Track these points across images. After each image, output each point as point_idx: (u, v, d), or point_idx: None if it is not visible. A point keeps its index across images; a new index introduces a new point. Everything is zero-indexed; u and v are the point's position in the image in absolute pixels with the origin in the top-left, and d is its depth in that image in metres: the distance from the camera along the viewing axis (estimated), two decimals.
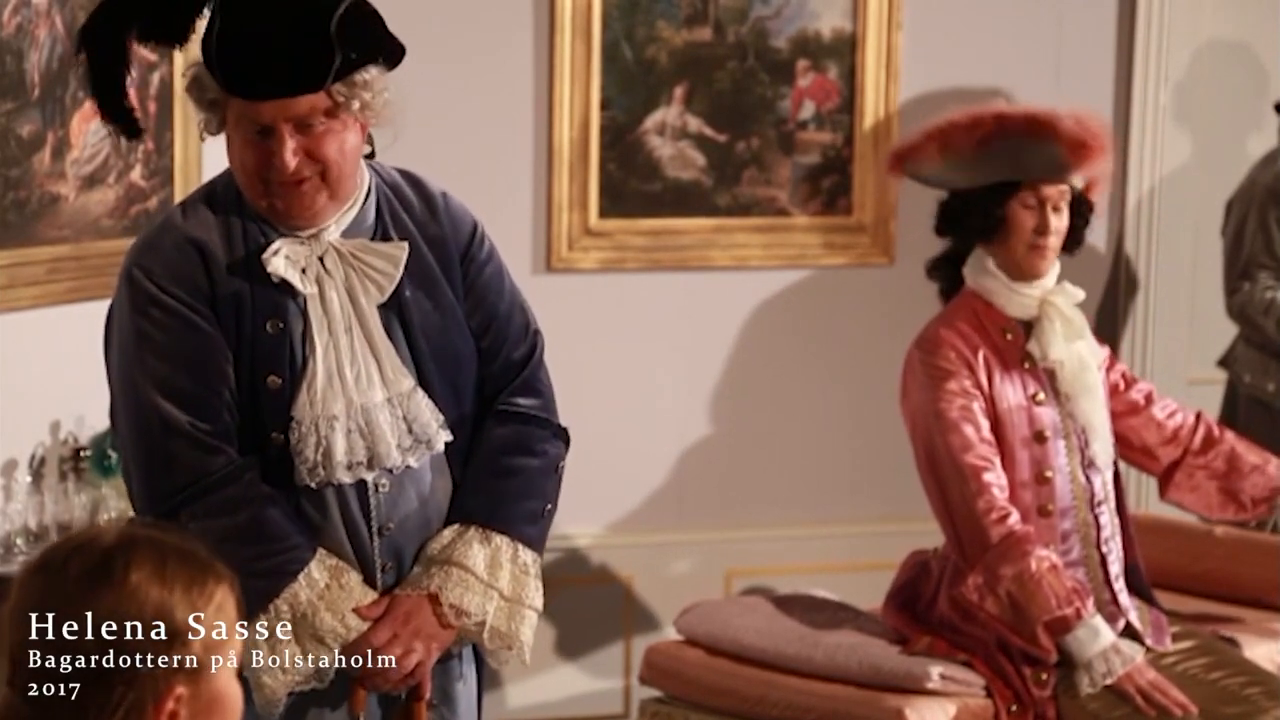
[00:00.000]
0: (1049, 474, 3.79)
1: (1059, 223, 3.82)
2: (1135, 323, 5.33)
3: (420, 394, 2.75)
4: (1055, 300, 3.84)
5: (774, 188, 5.01)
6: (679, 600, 4.39)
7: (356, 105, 2.65)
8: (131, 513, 2.83)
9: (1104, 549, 3.82)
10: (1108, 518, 3.85)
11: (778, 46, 4.96)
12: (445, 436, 2.78)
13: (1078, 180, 3.88)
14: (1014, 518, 3.69)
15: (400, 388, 2.74)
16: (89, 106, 4.04)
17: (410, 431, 2.74)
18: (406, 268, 2.76)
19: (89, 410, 3.99)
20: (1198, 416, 4.08)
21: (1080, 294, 3.89)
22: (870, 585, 4.67)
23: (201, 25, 2.69)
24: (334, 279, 2.71)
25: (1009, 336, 3.83)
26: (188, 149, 4.29)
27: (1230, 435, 4.09)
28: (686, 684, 3.96)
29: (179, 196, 4.22)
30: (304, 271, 2.70)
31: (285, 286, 2.70)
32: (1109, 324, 5.33)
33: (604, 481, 4.87)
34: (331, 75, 2.61)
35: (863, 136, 5.04)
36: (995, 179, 3.81)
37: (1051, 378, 3.82)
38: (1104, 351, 3.98)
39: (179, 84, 4.07)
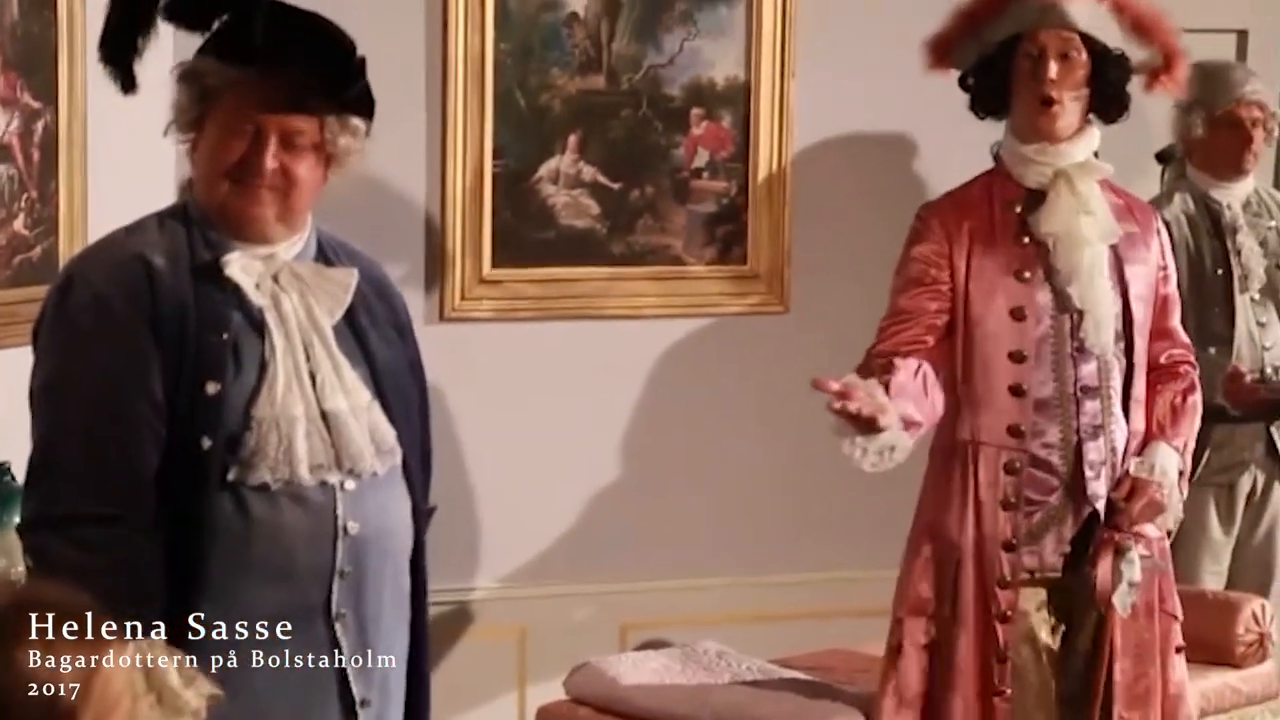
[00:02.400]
0: (1025, 353, 3.71)
1: (1065, 72, 3.70)
2: None
3: (378, 408, 2.82)
4: (1069, 170, 3.72)
5: (669, 236, 5.00)
6: (574, 653, 4.36)
7: (341, 144, 2.79)
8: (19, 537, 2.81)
9: (1082, 435, 3.74)
10: (1097, 405, 3.75)
11: (671, 94, 4.96)
12: (400, 451, 2.84)
13: (1108, 35, 3.75)
14: (898, 363, 3.65)
15: (360, 399, 2.80)
16: None
17: (372, 440, 2.80)
18: (360, 306, 2.84)
19: None
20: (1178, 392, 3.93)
21: (1106, 169, 3.78)
22: (768, 637, 4.66)
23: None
24: (289, 294, 2.78)
25: (1016, 209, 3.75)
26: (73, 199, 4.22)
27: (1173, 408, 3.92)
28: None
29: (63, 247, 4.15)
30: (257, 286, 2.76)
31: (232, 299, 2.75)
32: None
33: (498, 532, 4.84)
34: (351, 94, 2.78)
35: (757, 184, 5.04)
36: (1000, 37, 3.76)
37: (1047, 253, 3.73)
38: (1145, 252, 3.84)
39: (64, 133, 4.01)
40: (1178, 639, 3.89)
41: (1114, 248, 3.77)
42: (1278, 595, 5.03)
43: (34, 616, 1.90)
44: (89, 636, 1.94)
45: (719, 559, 5.00)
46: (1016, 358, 3.71)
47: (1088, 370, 3.73)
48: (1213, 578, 4.88)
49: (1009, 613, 3.72)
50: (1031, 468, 3.73)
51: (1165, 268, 3.91)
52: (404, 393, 2.90)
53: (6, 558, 3.78)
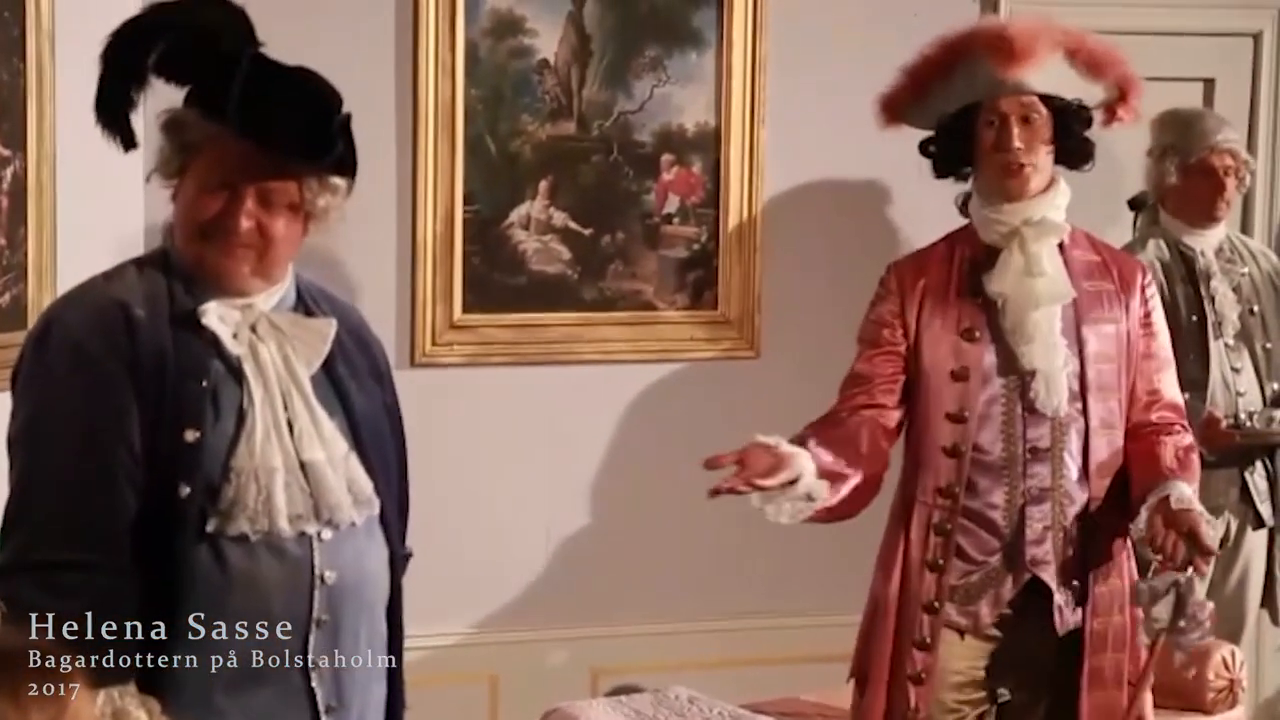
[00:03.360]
0: (965, 414, 3.66)
1: (1027, 135, 3.66)
2: None
3: (355, 459, 2.83)
4: (1024, 230, 3.68)
5: (640, 281, 5.01)
6: (545, 698, 4.34)
7: (320, 205, 2.78)
8: None
9: (1028, 498, 3.66)
10: (1046, 469, 3.68)
11: (642, 140, 4.98)
12: (378, 501, 2.84)
13: (1064, 87, 3.70)
14: (837, 420, 3.66)
15: (337, 450, 2.80)
16: None
17: (349, 491, 2.80)
18: (338, 355, 2.85)
19: None
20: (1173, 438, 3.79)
21: (1063, 228, 3.71)
22: (739, 682, 4.65)
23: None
24: (267, 344, 2.78)
25: (968, 267, 3.73)
26: (41, 245, 4.21)
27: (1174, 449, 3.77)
28: None
29: (33, 293, 4.14)
30: (235, 336, 2.77)
31: (211, 347, 2.75)
32: None
33: (469, 578, 4.82)
34: (331, 158, 2.76)
35: (728, 230, 5.06)
36: (956, 105, 3.73)
37: (997, 312, 3.69)
38: (1120, 312, 3.74)
39: (32, 179, 4.01)
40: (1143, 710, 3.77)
41: (1073, 306, 3.70)
42: (1249, 641, 5.04)
43: (2, 666, 1.89)
44: (58, 684, 1.93)
45: (690, 604, 5.00)
46: (955, 418, 3.66)
47: (1038, 432, 3.66)
48: None
49: (923, 675, 3.66)
50: (974, 527, 3.68)
51: (1150, 326, 3.82)
52: (382, 442, 2.90)
53: None
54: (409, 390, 4.76)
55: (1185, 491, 3.61)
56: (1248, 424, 4.84)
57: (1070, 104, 3.69)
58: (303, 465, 2.76)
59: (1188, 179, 4.94)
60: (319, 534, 2.76)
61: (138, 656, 2.64)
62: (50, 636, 2.01)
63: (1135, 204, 5.09)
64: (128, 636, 2.65)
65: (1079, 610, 3.70)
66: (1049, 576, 3.67)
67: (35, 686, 1.90)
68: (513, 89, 4.86)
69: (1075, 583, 3.69)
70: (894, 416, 3.72)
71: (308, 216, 2.79)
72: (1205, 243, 4.98)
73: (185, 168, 2.76)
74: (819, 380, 5.20)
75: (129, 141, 2.79)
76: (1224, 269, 4.97)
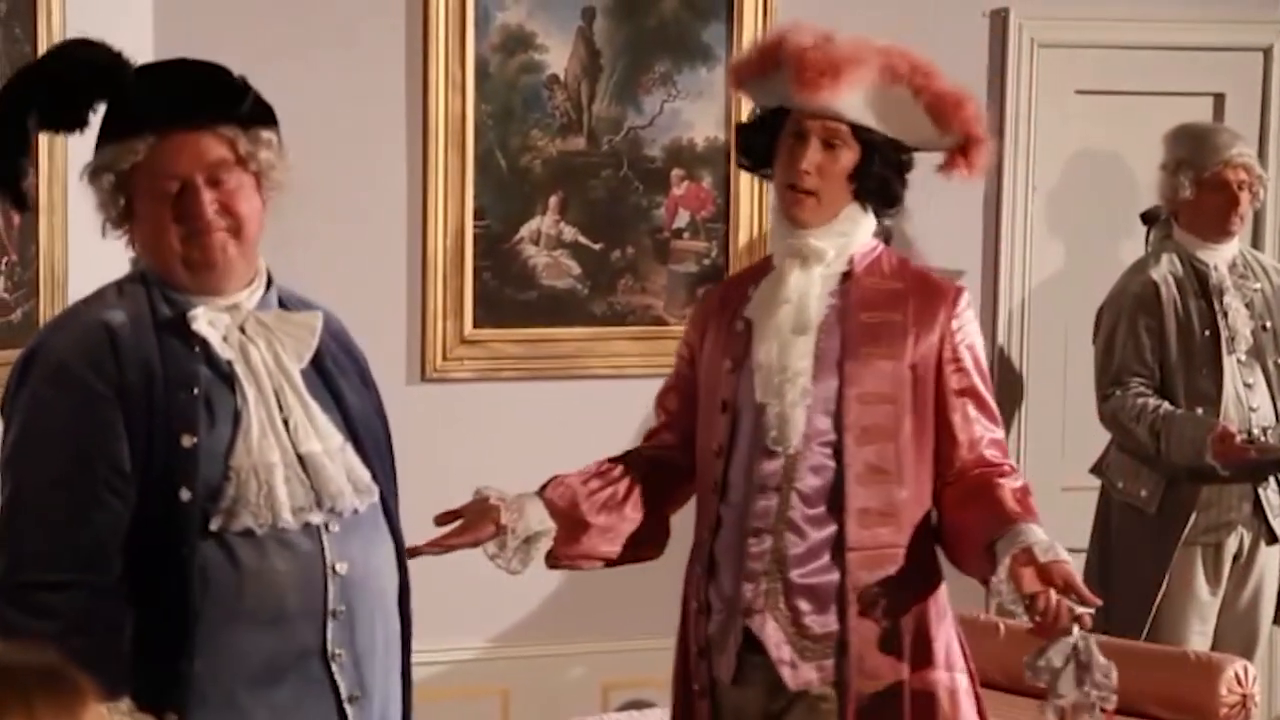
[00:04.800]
0: (721, 448, 3.32)
1: (824, 161, 3.25)
2: (1010, 431, 5.37)
3: (351, 450, 2.83)
4: (787, 261, 3.31)
5: (650, 296, 5.01)
6: (557, 713, 4.35)
7: (262, 159, 2.77)
8: None
9: (748, 541, 3.29)
10: (772, 505, 3.28)
11: (652, 155, 4.98)
12: (377, 489, 2.85)
13: (886, 122, 3.27)
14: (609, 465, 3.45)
15: (332, 442, 2.81)
16: None
17: (349, 480, 2.80)
18: (325, 351, 2.86)
19: None
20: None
21: (823, 254, 3.29)
22: None
23: (95, 118, 2.79)
24: (256, 344, 2.79)
25: (753, 288, 3.37)
26: (53, 261, 4.22)
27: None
28: None
29: (44, 310, 4.15)
30: (225, 339, 2.77)
31: (199, 354, 2.76)
32: None
33: (480, 593, 4.81)
34: (247, 105, 2.76)
35: (738, 245, 5.06)
36: (772, 104, 3.34)
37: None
38: (905, 346, 3.29)
39: (44, 197, 4.01)
40: None
41: (840, 339, 3.28)
42: (1261, 658, 5.03)
43: (10, 690, 1.89)
44: (70, 700, 1.92)
45: None
46: (718, 453, 3.32)
47: (771, 469, 3.27)
48: (1199, 638, 4.87)
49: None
50: (721, 568, 3.35)
51: (957, 361, 3.32)
52: (375, 435, 2.91)
53: None
54: (420, 405, 4.80)
55: (1043, 536, 3.17)
56: (1261, 439, 4.84)
57: (881, 141, 3.26)
58: (301, 458, 2.77)
59: (1201, 193, 4.94)
60: (326, 525, 2.77)
61: (128, 672, 2.65)
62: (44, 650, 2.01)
63: (1148, 218, 5.09)
64: (114, 653, 2.65)
65: (827, 666, 3.27)
66: (758, 626, 3.28)
67: (47, 702, 1.90)
68: (523, 104, 4.87)
69: (811, 635, 3.28)
70: (680, 455, 3.46)
71: (258, 180, 2.79)
72: (1219, 257, 4.97)
73: (129, 203, 2.78)
74: None
75: (22, 204, 2.81)
76: (1237, 284, 4.96)
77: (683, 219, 5.05)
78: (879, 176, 3.28)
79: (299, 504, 2.75)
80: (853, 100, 3.24)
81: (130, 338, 2.74)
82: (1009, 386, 5.36)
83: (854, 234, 3.31)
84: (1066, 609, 3.13)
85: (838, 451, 3.26)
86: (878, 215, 3.34)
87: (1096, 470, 5.03)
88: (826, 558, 3.26)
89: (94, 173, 2.77)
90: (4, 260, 4.12)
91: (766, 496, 3.27)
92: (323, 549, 2.77)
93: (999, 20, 5.26)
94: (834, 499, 3.26)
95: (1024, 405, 5.38)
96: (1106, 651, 4.27)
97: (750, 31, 4.99)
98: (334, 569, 2.77)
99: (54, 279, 4.22)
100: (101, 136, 2.77)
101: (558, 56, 4.88)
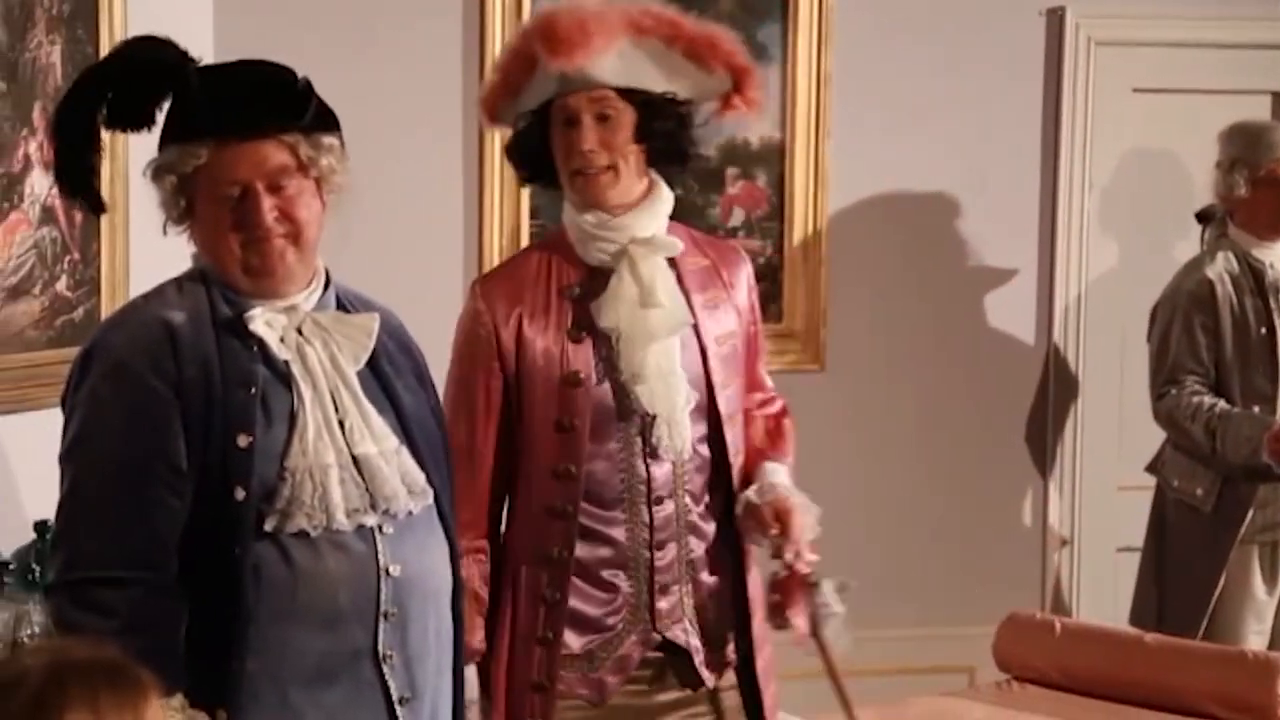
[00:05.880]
0: (571, 468, 3.17)
1: (604, 135, 3.15)
2: (1066, 429, 5.36)
3: (406, 452, 2.84)
4: (632, 250, 3.18)
5: None
6: None
7: (323, 164, 2.78)
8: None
9: (655, 549, 3.23)
10: (669, 514, 3.22)
11: (707, 154, 4.97)
12: (432, 492, 2.86)
13: (649, 79, 3.18)
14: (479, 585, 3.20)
15: (387, 445, 2.82)
16: (14, 217, 4.02)
17: (403, 482, 2.81)
18: (383, 354, 2.87)
19: (13, 524, 3.94)
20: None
21: (675, 245, 3.23)
22: (793, 694, 4.65)
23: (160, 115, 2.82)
24: (313, 345, 2.80)
25: (574, 293, 3.21)
26: (114, 260, 4.26)
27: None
28: None
29: (105, 307, 4.19)
30: (282, 340, 2.79)
31: (256, 354, 2.77)
32: (1040, 430, 5.35)
33: None
34: (310, 114, 2.77)
35: (793, 244, 5.07)
36: (533, 105, 3.22)
37: (609, 349, 3.19)
38: (732, 319, 3.30)
39: (105, 195, 4.04)
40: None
41: (695, 330, 3.23)
42: None
43: (77, 684, 1.92)
44: (132, 695, 1.95)
45: None
46: (561, 474, 3.18)
47: (661, 477, 3.21)
48: (1256, 637, 4.85)
49: None
50: (591, 589, 3.22)
51: (754, 319, 3.37)
52: (430, 438, 2.92)
53: (47, 616, 3.82)
54: None
55: (773, 476, 3.28)
56: None
57: (654, 97, 3.17)
58: (355, 460, 2.78)
59: (1256, 191, 4.92)
60: (380, 527, 2.78)
61: (182, 669, 2.67)
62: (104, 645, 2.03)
63: (1203, 216, 5.07)
64: (169, 650, 2.67)
65: (732, 658, 3.32)
66: (675, 635, 3.26)
67: (112, 697, 1.92)
68: None
69: (723, 634, 3.31)
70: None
71: (319, 185, 2.80)
72: (1274, 255, 4.95)
73: (190, 204, 2.80)
74: (884, 393, 5.22)
75: (98, 207, 2.84)
76: None
77: (737, 217, 5.05)
78: (663, 133, 3.19)
79: (353, 506, 2.76)
80: (611, 64, 3.15)
81: (189, 336, 2.76)
82: (1064, 385, 5.35)
83: (663, 211, 3.24)
84: (795, 550, 3.22)
85: (720, 441, 3.25)
86: (674, 172, 3.28)
87: (1152, 469, 5.01)
88: (715, 550, 3.28)
89: (156, 172, 2.79)
90: (66, 259, 4.17)
91: (662, 505, 3.21)
92: (376, 550, 2.78)
93: (1055, 19, 5.25)
94: (723, 491, 3.26)
95: (1080, 404, 5.37)
96: (1165, 650, 4.29)
97: (806, 31, 5.00)
98: (387, 570, 2.78)
99: (115, 277, 4.27)
100: (164, 135, 2.79)
101: None
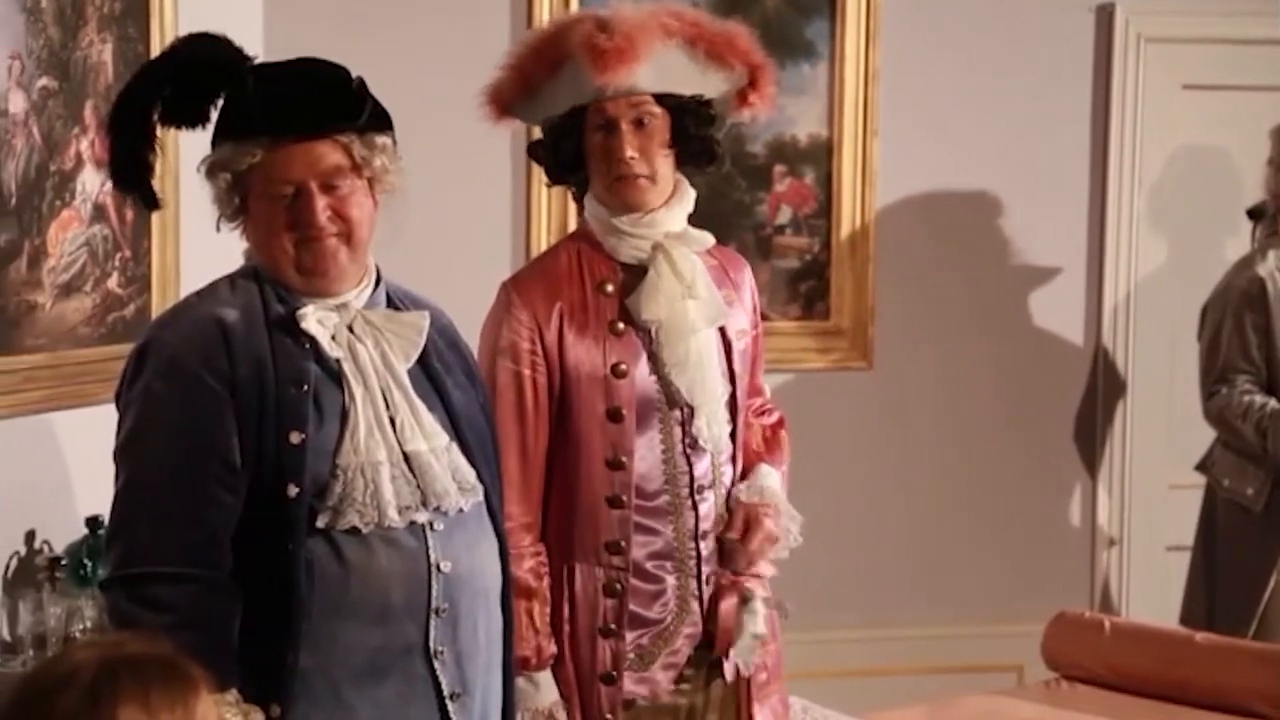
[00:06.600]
0: (623, 459, 3.22)
1: (641, 141, 3.21)
2: (1115, 428, 5.34)
3: (456, 449, 2.86)
4: (667, 245, 3.24)
5: None
6: None
7: (376, 165, 2.80)
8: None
9: (700, 541, 3.28)
10: (710, 506, 3.29)
11: (754, 152, 4.99)
12: (482, 489, 2.88)
13: (681, 82, 3.24)
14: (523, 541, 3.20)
15: (438, 442, 2.84)
16: (65, 215, 4.05)
17: (454, 479, 2.83)
18: (432, 352, 2.89)
19: (65, 519, 3.97)
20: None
21: (707, 239, 3.31)
22: (851, 692, 4.65)
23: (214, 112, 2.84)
24: (364, 343, 2.83)
25: (608, 289, 3.26)
26: (165, 257, 4.29)
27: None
28: None
29: (156, 304, 4.22)
30: (333, 338, 2.81)
31: (308, 351, 2.79)
32: (1089, 429, 5.33)
33: None
34: (365, 115, 2.78)
35: (840, 241, 5.06)
36: (564, 106, 3.25)
37: (650, 340, 3.24)
38: (744, 318, 3.38)
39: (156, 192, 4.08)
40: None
41: (721, 328, 3.32)
42: None
43: (129, 679, 1.93)
44: (184, 690, 1.96)
45: (799, 615, 4.99)
46: (613, 464, 3.22)
47: (702, 469, 3.28)
48: None
49: None
50: (641, 584, 3.26)
51: (757, 322, 3.45)
52: (480, 435, 2.94)
53: (100, 611, 3.84)
54: None
55: (765, 480, 3.36)
56: None
57: (688, 102, 3.24)
58: (406, 457, 2.80)
59: None
60: (431, 524, 2.80)
61: (236, 665, 2.69)
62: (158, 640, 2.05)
63: (1255, 214, 5.04)
64: (223, 646, 2.69)
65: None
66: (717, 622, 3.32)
67: (163, 692, 1.94)
68: None
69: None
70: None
71: (371, 184, 2.82)
72: None
73: (244, 201, 2.82)
74: (932, 391, 5.21)
75: (151, 203, 2.86)
76: None
77: (785, 215, 5.05)
78: (698, 137, 3.27)
79: (405, 503, 2.78)
80: (645, 70, 3.20)
81: (242, 334, 2.77)
82: (1113, 383, 5.33)
83: (689, 207, 3.31)
84: (746, 560, 3.31)
85: (734, 434, 3.32)
86: (703, 170, 3.35)
87: (1202, 468, 4.99)
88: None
89: (211, 168, 2.81)
90: (118, 256, 4.19)
91: (704, 497, 3.28)
92: (427, 547, 2.79)
93: (1105, 15, 5.23)
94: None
95: (1128, 402, 5.35)
96: (1215, 649, 4.27)
97: (853, 28, 4.99)
98: (438, 567, 2.80)
99: (165, 274, 4.29)
100: (219, 132, 2.81)
101: None
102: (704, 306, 3.26)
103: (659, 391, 3.24)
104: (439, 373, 2.90)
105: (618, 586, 3.24)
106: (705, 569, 3.29)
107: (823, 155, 5.03)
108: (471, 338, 3.10)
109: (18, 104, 3.91)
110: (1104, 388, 5.32)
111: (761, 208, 5.01)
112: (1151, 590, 5.35)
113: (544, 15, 4.80)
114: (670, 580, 3.27)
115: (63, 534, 3.99)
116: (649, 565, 3.26)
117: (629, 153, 3.20)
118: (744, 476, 3.38)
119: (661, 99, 3.23)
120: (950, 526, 5.23)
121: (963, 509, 5.25)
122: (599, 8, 3.29)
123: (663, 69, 3.22)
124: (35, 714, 1.91)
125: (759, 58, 3.29)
